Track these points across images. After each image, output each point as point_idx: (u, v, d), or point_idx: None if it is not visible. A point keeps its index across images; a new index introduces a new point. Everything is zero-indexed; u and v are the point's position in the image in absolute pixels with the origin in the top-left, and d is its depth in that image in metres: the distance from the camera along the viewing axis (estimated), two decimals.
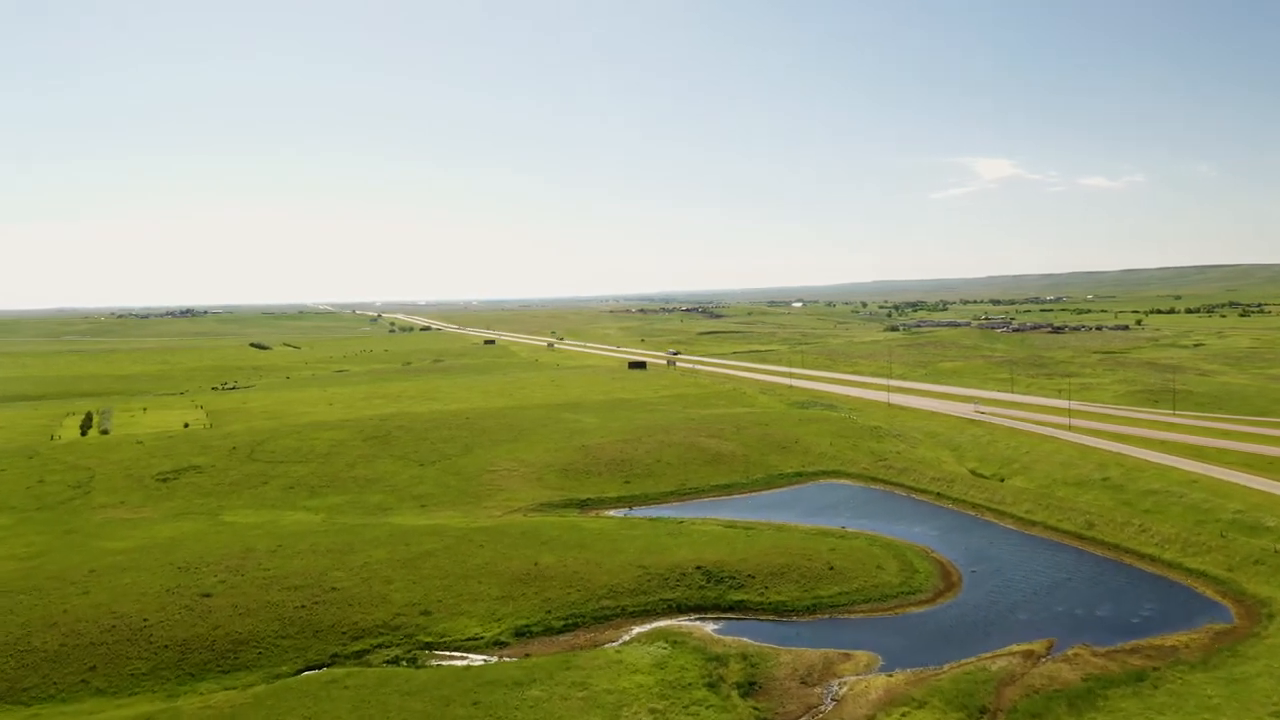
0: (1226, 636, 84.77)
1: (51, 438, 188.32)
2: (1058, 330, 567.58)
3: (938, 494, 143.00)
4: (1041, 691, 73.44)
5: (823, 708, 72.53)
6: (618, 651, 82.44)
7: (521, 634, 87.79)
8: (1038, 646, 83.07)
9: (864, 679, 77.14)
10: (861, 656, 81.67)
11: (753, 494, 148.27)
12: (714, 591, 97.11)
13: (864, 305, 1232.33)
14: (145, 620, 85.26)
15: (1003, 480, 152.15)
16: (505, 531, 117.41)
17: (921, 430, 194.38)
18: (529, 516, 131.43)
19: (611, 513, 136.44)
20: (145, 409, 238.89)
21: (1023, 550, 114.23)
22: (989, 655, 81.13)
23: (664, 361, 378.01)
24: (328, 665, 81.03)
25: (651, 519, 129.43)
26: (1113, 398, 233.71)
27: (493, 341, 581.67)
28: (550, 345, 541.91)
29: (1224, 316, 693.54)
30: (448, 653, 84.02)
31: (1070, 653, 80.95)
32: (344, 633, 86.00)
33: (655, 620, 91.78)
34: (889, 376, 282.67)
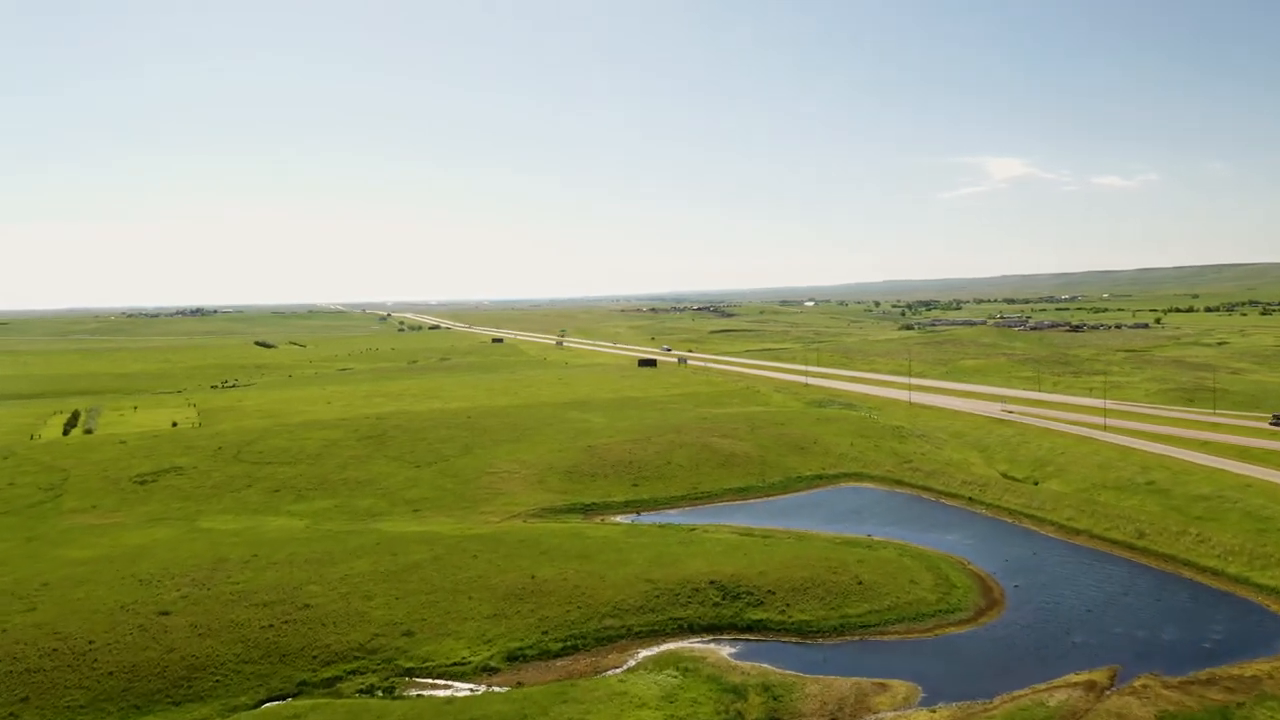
0: None
1: (31, 437, 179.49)
2: (1076, 329, 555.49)
3: (969, 499, 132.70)
4: None
5: None
6: (621, 680, 72.68)
7: (514, 658, 78.08)
8: (1100, 676, 72.99)
9: (904, 715, 67.29)
10: (899, 687, 71.73)
11: (770, 498, 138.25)
12: (730, 609, 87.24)
13: (876, 304, 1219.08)
14: (91, 642, 75.86)
15: (1036, 483, 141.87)
16: (501, 540, 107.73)
17: (946, 430, 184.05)
18: (529, 523, 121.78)
19: (618, 518, 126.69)
20: (136, 407, 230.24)
21: (1068, 562, 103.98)
22: (1045, 687, 71.07)
23: (674, 359, 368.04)
24: (293, 695, 71.55)
25: (661, 525, 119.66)
26: (1144, 396, 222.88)
27: (501, 340, 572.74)
28: (558, 343, 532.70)
29: (1244, 315, 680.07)
30: (430, 680, 74.38)
31: (1138, 684, 70.81)
32: (315, 657, 76.45)
33: (664, 642, 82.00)
34: (908, 375, 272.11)
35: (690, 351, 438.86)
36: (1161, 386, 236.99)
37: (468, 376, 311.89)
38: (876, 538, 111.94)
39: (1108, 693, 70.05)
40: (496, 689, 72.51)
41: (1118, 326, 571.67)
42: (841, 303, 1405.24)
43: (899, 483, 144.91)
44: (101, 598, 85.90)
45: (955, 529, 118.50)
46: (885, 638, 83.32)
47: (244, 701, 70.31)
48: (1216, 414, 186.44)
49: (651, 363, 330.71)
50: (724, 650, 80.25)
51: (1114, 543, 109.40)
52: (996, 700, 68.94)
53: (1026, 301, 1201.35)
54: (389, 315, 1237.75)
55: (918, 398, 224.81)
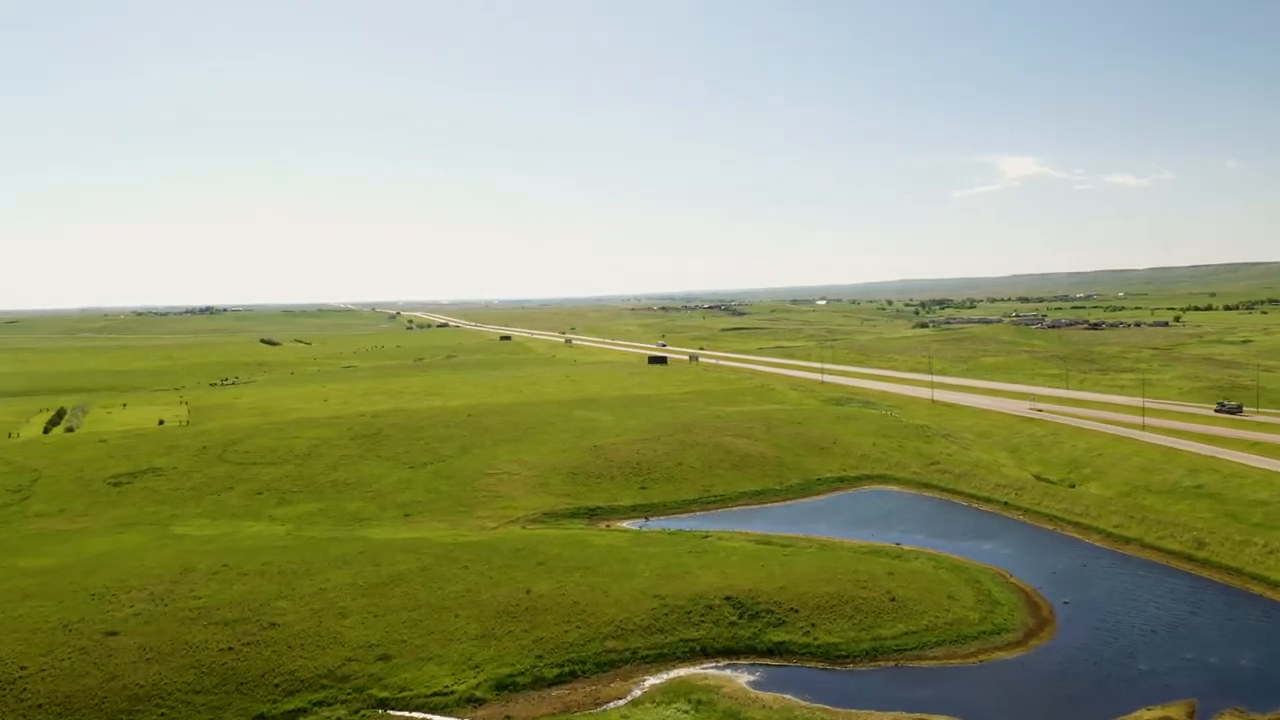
0: None
1: (10, 435, 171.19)
2: (1095, 326, 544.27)
3: (1004, 503, 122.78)
4: None
5: None
6: (624, 715, 63.50)
7: (503, 687, 68.78)
8: (1176, 712, 63.40)
9: None
10: None
11: (788, 502, 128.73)
12: (748, 629, 77.74)
13: (889, 303, 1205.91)
14: (23, 668, 66.86)
15: (1073, 486, 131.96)
16: (496, 548, 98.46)
17: (972, 429, 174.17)
18: (528, 529, 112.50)
19: (625, 524, 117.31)
20: (125, 405, 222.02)
21: (1120, 575, 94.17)
22: None
23: (682, 357, 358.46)
24: None
25: (671, 532, 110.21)
26: (1178, 394, 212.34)
27: (509, 337, 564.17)
28: (567, 340, 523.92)
29: (1265, 313, 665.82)
30: (406, 714, 65.18)
31: None
32: (277, 685, 67.30)
33: (673, 668, 72.59)
34: (929, 372, 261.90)
35: (701, 349, 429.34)
36: (1195, 384, 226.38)
37: (472, 374, 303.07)
38: (906, 546, 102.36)
39: None
40: None
41: (1137, 324, 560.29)
42: (854, 301, 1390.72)
43: (926, 485, 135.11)
44: (46, 614, 76.88)
45: (991, 537, 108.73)
46: (924, 663, 73.70)
47: None
48: (1260, 412, 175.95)
49: (662, 360, 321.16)
50: (741, 678, 70.82)
51: (1169, 553, 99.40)
52: None
53: (1041, 300, 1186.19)
54: (398, 314, 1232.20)
55: (940, 395, 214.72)
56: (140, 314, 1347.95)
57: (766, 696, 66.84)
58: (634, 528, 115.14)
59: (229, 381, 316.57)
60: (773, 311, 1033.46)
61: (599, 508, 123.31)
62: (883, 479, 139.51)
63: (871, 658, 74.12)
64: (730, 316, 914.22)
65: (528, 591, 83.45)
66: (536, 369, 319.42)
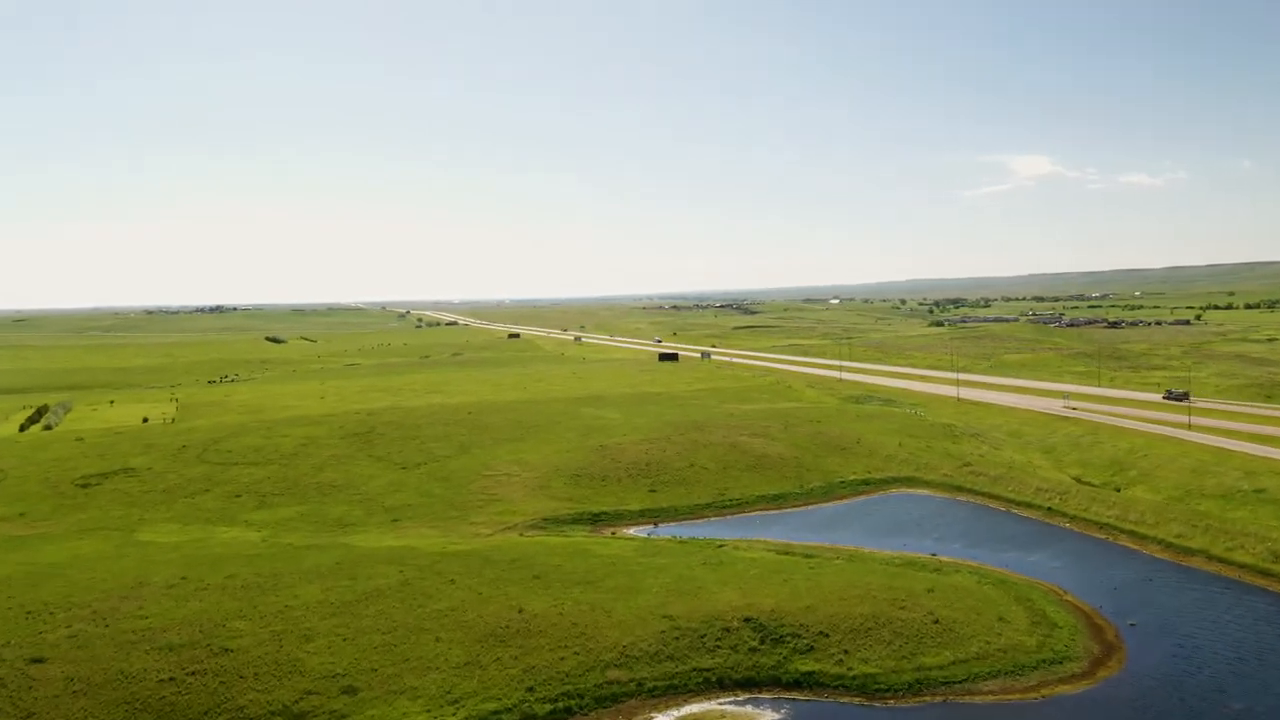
0: None
1: None
2: (1115, 325, 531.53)
3: (1048, 509, 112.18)
4: None
5: None
6: None
7: None
8: None
9: None
10: None
11: (810, 507, 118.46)
12: (771, 657, 67.65)
13: (903, 302, 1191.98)
14: None
15: (1119, 490, 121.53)
16: (489, 559, 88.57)
17: (1002, 429, 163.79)
18: (526, 536, 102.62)
19: (632, 531, 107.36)
20: (113, 402, 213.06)
21: (1189, 591, 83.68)
22: None
23: (697, 354, 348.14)
24: None
25: (682, 541, 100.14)
26: (1215, 392, 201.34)
27: (517, 335, 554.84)
28: (576, 339, 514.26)
29: None
30: None
31: None
32: None
33: (685, 703, 62.72)
34: (951, 369, 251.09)
35: (714, 347, 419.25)
36: (1232, 381, 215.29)
37: (477, 371, 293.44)
38: (944, 558, 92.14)
39: None
40: None
41: (1158, 323, 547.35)
42: (866, 301, 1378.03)
43: (959, 489, 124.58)
44: None
45: (1038, 547, 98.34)
46: (976, 698, 63.52)
47: None
48: None
49: (673, 357, 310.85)
50: (766, 716, 60.88)
51: (1241, 566, 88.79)
52: None
53: (1056, 299, 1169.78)
54: (408, 312, 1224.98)
55: (965, 393, 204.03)
56: (151, 313, 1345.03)
57: None
58: (642, 535, 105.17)
59: (227, 379, 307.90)
60: (785, 310, 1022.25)
61: (604, 513, 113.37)
62: (910, 481, 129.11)
63: (915, 692, 63.98)
64: (742, 315, 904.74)
65: (520, 610, 73.52)
66: (544, 366, 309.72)
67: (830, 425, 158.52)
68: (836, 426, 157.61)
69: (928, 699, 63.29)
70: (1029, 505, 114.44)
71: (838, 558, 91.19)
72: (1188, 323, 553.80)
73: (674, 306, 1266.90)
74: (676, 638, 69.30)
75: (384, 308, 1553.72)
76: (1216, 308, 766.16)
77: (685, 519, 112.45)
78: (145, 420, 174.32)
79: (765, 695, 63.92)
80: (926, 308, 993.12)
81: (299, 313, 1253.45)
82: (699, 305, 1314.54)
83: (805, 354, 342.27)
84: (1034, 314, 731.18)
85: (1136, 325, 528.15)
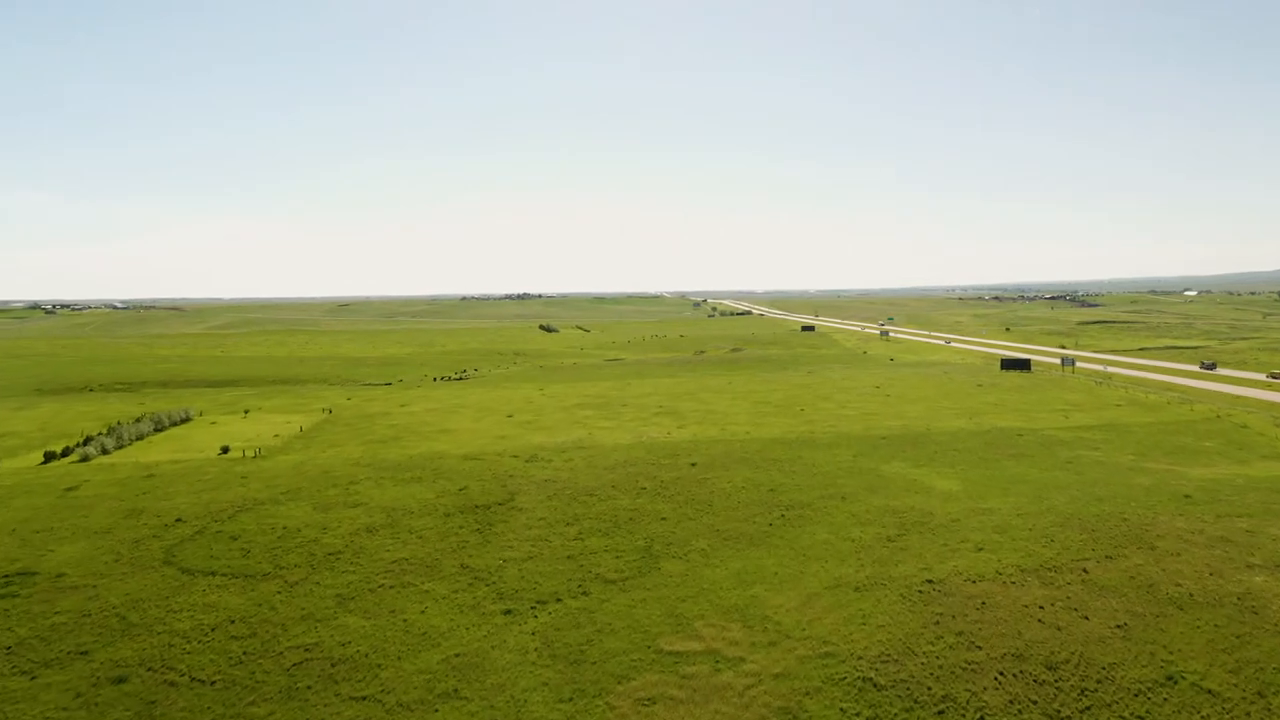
0: None
1: None
2: None
3: None
4: None
5: None
6: None
7: None
8: None
9: None
10: None
11: None
12: None
13: None
14: None
15: None
16: None
17: None
18: None
19: None
20: (247, 411, 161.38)
21: None
22: None
23: (1054, 360, 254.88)
24: None
25: None
26: None
27: (811, 328, 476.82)
28: (883, 333, 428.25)
29: None
30: None
31: None
32: None
33: None
34: None
35: (1062, 347, 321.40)
36: None
37: (747, 376, 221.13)
38: None
39: None
40: None
41: None
42: (1231, 293, 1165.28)
43: None
44: None
45: None
46: None
47: None
48: None
49: (1023, 365, 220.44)
50: None
51: None
52: None
53: None
54: (703, 301, 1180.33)
55: None
56: (465, 299, 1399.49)
57: None
58: None
59: (458, 376, 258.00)
60: (1133, 303, 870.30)
61: None
62: None
63: None
64: (1080, 308, 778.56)
65: None
66: (837, 371, 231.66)
67: None
68: None
69: None
70: None
71: None
72: None
73: (995, 297, 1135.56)
74: None
75: (683, 296, 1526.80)
76: None
77: None
78: (225, 451, 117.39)
79: None
80: None
81: (598, 300, 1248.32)
82: (1023, 296, 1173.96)
83: (1192, 359, 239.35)
84: None
85: None
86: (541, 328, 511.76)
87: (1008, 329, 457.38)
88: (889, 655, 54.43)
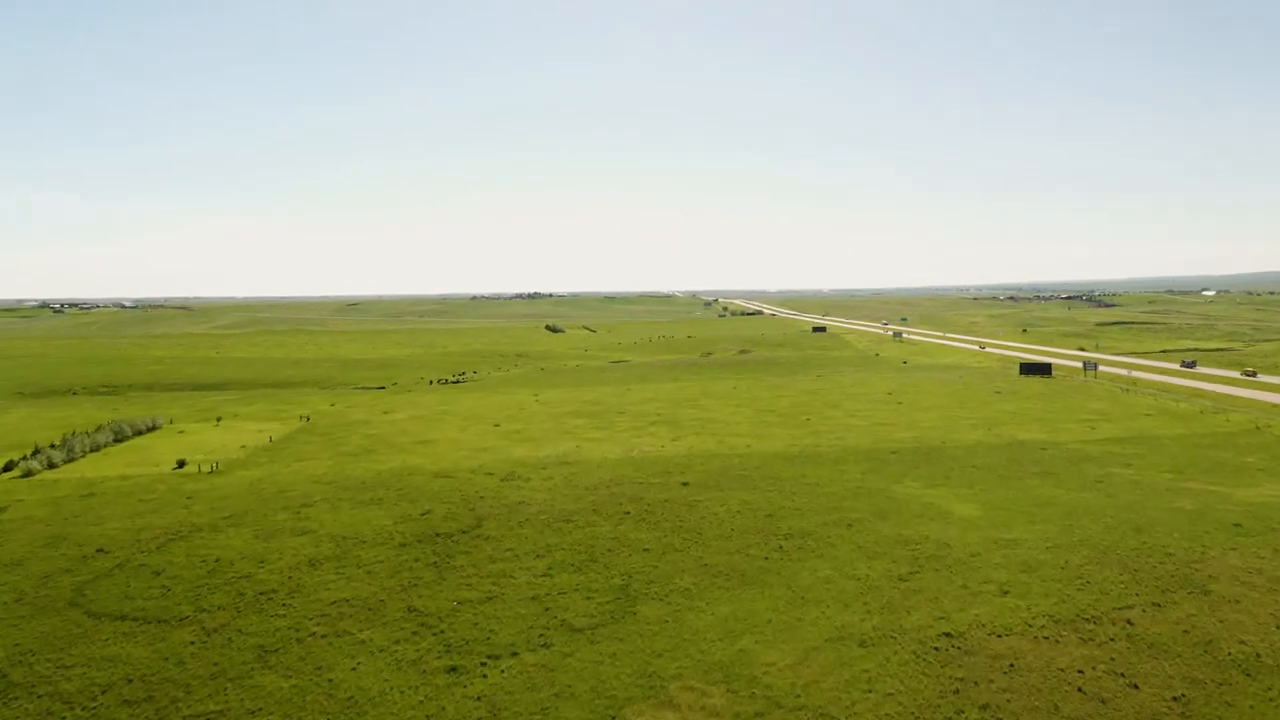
0: None
1: None
2: None
3: None
4: None
5: None
6: None
7: None
8: None
9: None
10: None
11: None
12: None
13: None
14: None
15: None
16: None
17: None
18: None
19: None
20: (219, 419, 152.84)
21: None
22: None
23: (1076, 364, 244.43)
24: None
25: None
26: None
27: (823, 328, 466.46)
28: (895, 334, 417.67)
29: None
30: None
31: None
32: None
33: None
34: None
35: (1081, 350, 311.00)
36: None
37: (751, 380, 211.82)
38: None
39: None
40: None
41: None
42: (1250, 293, 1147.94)
43: None
44: None
45: None
46: None
47: None
48: None
49: (1044, 369, 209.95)
50: None
51: None
52: None
53: None
54: (714, 300, 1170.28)
55: None
56: (475, 299, 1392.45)
57: None
58: None
59: (455, 379, 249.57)
60: (1151, 303, 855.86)
61: None
62: None
63: None
64: (1097, 309, 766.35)
65: None
66: (848, 375, 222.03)
67: None
68: None
69: None
70: None
71: None
72: None
73: (1010, 298, 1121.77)
74: None
75: (694, 295, 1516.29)
76: None
77: None
78: (181, 465, 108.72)
79: None
80: None
81: (608, 300, 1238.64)
82: (1039, 296, 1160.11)
83: (1216, 363, 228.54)
84: None
85: None
86: (547, 328, 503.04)
87: (1024, 330, 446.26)
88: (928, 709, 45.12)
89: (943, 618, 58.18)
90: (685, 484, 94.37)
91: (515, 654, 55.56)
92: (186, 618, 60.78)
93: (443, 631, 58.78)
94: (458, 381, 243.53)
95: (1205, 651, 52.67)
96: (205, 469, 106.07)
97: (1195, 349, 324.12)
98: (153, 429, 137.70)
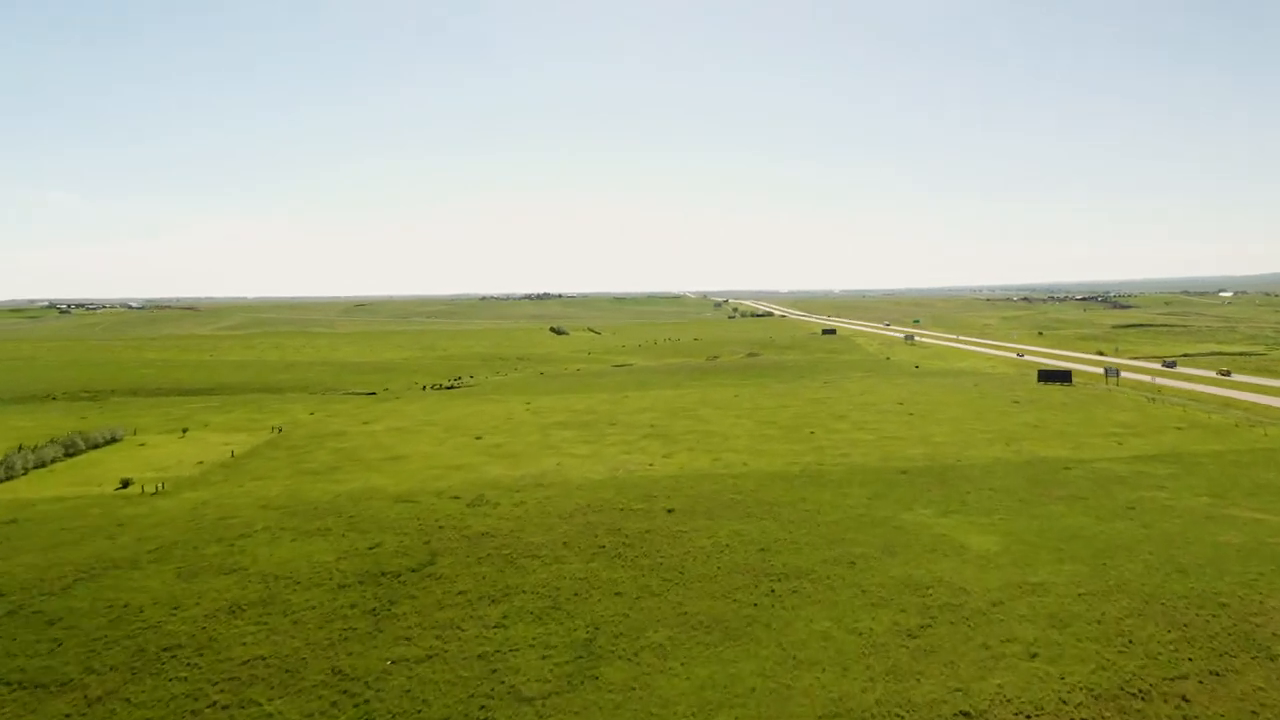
0: None
1: None
2: None
3: None
4: None
5: None
6: None
7: None
8: None
9: None
10: None
11: None
12: None
13: None
14: None
15: None
16: None
17: None
18: None
19: None
20: (185, 430, 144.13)
21: None
22: None
23: (1097, 370, 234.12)
24: None
25: None
26: None
27: (833, 331, 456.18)
28: (907, 337, 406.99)
29: None
30: None
31: None
32: None
33: None
34: None
35: (1100, 353, 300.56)
36: None
37: (758, 387, 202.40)
38: None
39: None
40: None
41: None
42: (1267, 294, 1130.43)
43: None
44: None
45: None
46: None
47: None
48: None
49: (1063, 376, 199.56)
50: None
51: None
52: None
53: None
54: (724, 301, 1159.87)
55: None
56: (485, 299, 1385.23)
57: None
58: None
59: (450, 385, 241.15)
60: (1168, 304, 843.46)
61: None
62: None
63: None
64: (1113, 310, 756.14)
65: None
66: (856, 382, 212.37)
67: None
68: None
69: None
70: None
71: None
72: None
73: (1024, 299, 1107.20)
74: None
75: (705, 296, 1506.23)
76: None
77: None
78: (125, 485, 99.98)
79: None
80: None
81: (618, 300, 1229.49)
82: (1053, 297, 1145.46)
83: (1246, 369, 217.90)
84: None
85: None
86: (552, 330, 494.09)
87: (1040, 333, 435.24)
88: None
89: (959, 689, 48.80)
90: (670, 511, 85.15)
91: None
92: (70, 681, 51.86)
93: (367, 701, 49.71)
94: (452, 387, 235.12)
95: None
96: (150, 490, 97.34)
97: (1218, 352, 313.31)
98: (111, 441, 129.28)
